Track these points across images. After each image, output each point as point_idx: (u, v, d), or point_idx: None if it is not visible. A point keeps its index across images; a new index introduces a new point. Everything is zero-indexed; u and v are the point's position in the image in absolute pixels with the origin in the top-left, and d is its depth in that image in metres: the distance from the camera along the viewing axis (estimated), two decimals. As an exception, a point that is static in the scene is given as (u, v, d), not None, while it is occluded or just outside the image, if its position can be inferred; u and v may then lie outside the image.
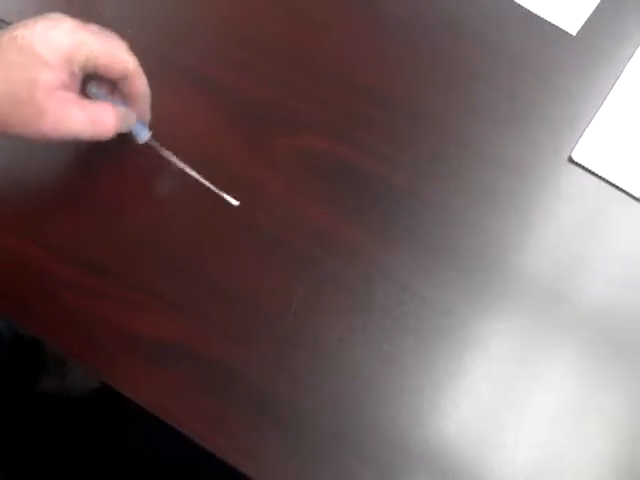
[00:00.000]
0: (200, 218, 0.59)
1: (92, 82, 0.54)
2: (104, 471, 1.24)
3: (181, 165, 0.58)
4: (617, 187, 0.62)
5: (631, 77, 0.66)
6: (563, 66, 0.66)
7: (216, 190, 0.59)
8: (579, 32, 0.67)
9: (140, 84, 0.55)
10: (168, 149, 0.59)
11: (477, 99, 0.65)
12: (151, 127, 0.58)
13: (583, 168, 0.62)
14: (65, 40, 0.50)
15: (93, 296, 0.57)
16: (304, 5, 0.68)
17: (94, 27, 0.53)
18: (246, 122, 0.63)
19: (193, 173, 0.58)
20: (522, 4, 0.68)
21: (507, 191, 0.61)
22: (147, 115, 0.58)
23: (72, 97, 0.51)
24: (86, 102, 0.53)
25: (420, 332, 0.57)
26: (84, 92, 0.54)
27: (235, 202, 0.59)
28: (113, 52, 0.52)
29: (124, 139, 0.57)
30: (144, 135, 0.58)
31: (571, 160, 0.63)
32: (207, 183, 0.58)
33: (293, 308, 0.57)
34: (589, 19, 0.68)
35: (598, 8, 0.69)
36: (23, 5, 0.67)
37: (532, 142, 0.63)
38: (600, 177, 0.62)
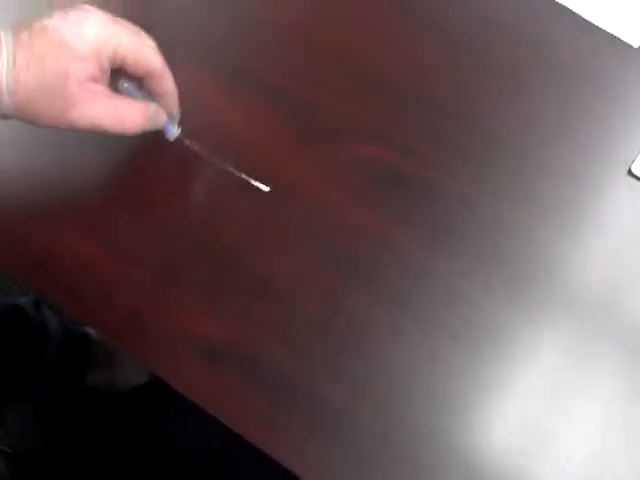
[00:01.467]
0: (252, 220, 0.61)
1: (123, 78, 0.54)
2: (145, 465, 1.26)
3: (209, 156, 0.59)
4: (677, 202, 0.62)
5: (693, 90, 0.65)
6: (624, 78, 0.65)
7: (246, 177, 0.59)
8: (641, 44, 0.66)
9: (165, 84, 0.54)
10: (223, 152, 0.60)
11: (535, 110, 0.64)
12: (208, 127, 0.60)
13: (643, 181, 0.62)
14: (95, 32, 0.50)
15: (149, 296, 0.58)
16: (362, 16, 0.68)
17: (125, 22, 0.53)
18: (302, 127, 0.63)
19: (224, 165, 0.60)
20: (583, 15, 0.67)
21: (564, 202, 0.61)
22: (175, 113, 0.57)
23: (102, 90, 0.51)
24: (116, 97, 0.53)
25: (469, 338, 0.57)
26: (115, 88, 0.54)
27: (265, 187, 0.60)
28: (140, 48, 0.52)
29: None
30: (173, 132, 0.58)
31: (630, 173, 0.62)
32: (237, 172, 0.59)
33: (344, 315, 0.57)
34: (651, 31, 0.67)
35: (661, 20, 0.68)
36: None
37: (591, 154, 0.63)
38: (660, 191, 0.62)
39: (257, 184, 0.60)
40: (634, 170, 0.62)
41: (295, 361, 0.56)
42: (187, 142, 0.59)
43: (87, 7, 0.52)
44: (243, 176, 0.60)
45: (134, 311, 0.58)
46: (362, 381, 0.56)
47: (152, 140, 0.58)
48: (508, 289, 0.58)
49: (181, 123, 0.58)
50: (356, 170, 0.62)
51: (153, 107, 0.55)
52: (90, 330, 1.23)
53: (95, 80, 0.51)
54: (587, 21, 0.67)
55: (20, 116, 0.50)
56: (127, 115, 0.52)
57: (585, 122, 0.64)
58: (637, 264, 0.60)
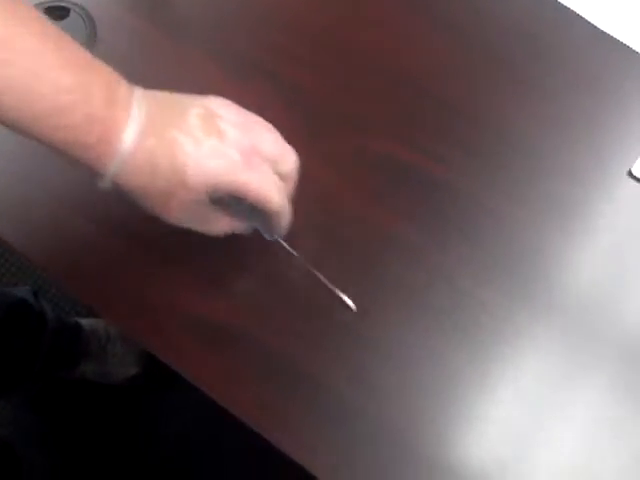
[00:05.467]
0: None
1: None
2: (135, 456, 1.26)
3: (306, 264, 0.58)
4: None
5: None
6: (630, 84, 0.67)
7: (336, 291, 0.58)
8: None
9: (279, 222, 0.53)
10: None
11: (545, 111, 0.66)
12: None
13: (642, 183, 0.63)
14: (220, 175, 0.48)
15: (157, 279, 0.59)
16: (378, 12, 0.69)
17: (265, 144, 0.51)
18: (316, 123, 0.64)
19: (317, 273, 0.58)
20: (593, 22, 0.69)
21: (569, 201, 0.63)
22: (279, 234, 0.56)
23: (199, 211, 0.51)
24: (210, 214, 0.52)
25: (477, 335, 0.58)
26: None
27: (352, 305, 0.58)
28: (260, 194, 0.49)
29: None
30: (269, 236, 0.57)
31: (631, 174, 0.63)
32: (329, 284, 0.58)
33: (351, 307, 0.58)
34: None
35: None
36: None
37: (595, 155, 0.64)
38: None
39: (346, 299, 0.58)
40: (634, 172, 0.63)
41: (300, 349, 0.57)
42: (285, 245, 0.58)
43: (225, 128, 0.49)
44: (335, 291, 0.58)
45: (135, 291, 0.58)
46: (367, 372, 0.57)
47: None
48: (519, 289, 0.60)
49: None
50: (366, 164, 0.63)
51: (241, 226, 0.55)
52: (83, 321, 1.23)
53: (199, 203, 0.50)
54: (596, 27, 0.69)
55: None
56: (215, 228, 0.53)
57: (591, 124, 0.65)
58: (637, 264, 0.61)
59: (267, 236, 0.57)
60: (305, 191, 0.60)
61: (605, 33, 0.68)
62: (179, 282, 0.58)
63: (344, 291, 0.58)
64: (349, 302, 0.58)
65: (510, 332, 0.58)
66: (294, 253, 0.58)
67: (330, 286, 0.58)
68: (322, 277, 0.58)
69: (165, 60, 0.66)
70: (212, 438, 1.23)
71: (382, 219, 0.61)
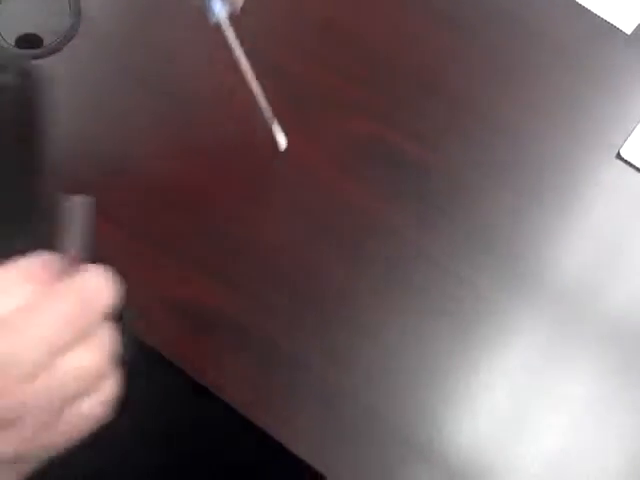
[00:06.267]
0: (243, 188, 0.61)
1: None
2: (121, 439, 1.25)
3: (246, 67, 0.54)
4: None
5: (683, 79, 0.66)
6: (616, 64, 0.66)
7: (271, 124, 0.59)
8: (634, 31, 0.67)
9: None
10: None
11: (528, 92, 0.65)
12: (201, 96, 0.59)
13: (631, 165, 0.63)
14: None
15: (139, 263, 0.58)
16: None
17: None
18: (298, 103, 0.64)
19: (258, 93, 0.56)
20: (578, 0, 0.68)
21: (553, 184, 0.62)
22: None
23: None
24: None
25: (457, 315, 0.57)
26: None
27: (283, 143, 0.60)
28: None
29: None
30: (217, 11, 0.48)
31: (619, 157, 0.63)
32: (266, 111, 0.57)
33: (332, 288, 0.58)
34: (644, 19, 0.68)
35: (654, 9, 0.69)
36: None
37: (581, 137, 0.64)
38: (648, 175, 0.63)
39: (279, 136, 0.59)
40: (623, 154, 0.63)
41: (283, 331, 0.57)
42: (227, 29, 0.50)
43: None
44: (270, 119, 0.58)
45: (120, 275, 0.58)
46: (350, 354, 0.56)
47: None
48: (499, 269, 0.59)
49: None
50: (348, 145, 0.62)
51: None
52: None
53: None
54: (582, 6, 0.68)
55: None
56: None
57: (577, 105, 0.65)
58: (624, 246, 0.61)
59: (211, 14, 0.49)
60: (289, 171, 0.61)
61: (590, 11, 0.68)
62: (163, 266, 0.58)
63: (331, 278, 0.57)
64: (281, 140, 0.60)
65: (490, 311, 0.58)
66: (235, 41, 0.51)
67: (267, 114, 0.57)
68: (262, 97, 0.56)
69: (151, 39, 0.65)
70: (197, 420, 1.23)
71: (363, 198, 0.61)
